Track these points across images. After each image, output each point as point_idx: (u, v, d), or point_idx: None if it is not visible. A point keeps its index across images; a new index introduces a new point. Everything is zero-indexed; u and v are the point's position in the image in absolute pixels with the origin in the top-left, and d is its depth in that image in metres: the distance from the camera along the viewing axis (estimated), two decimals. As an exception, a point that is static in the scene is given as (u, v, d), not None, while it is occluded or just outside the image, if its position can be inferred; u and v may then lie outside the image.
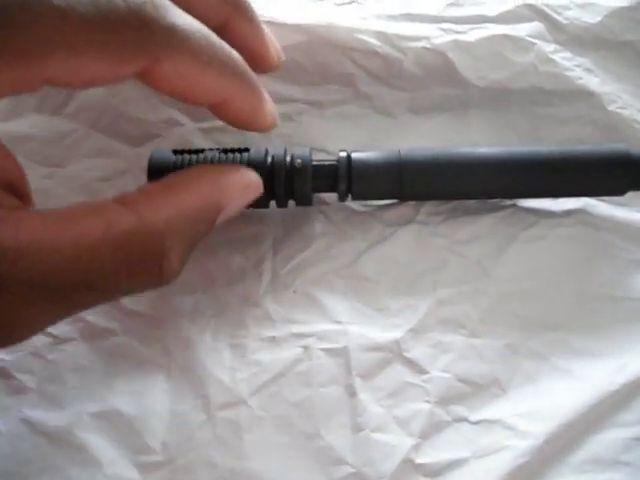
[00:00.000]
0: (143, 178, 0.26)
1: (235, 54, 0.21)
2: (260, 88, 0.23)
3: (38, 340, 0.24)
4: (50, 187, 0.28)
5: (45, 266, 0.17)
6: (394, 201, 0.27)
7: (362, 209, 0.27)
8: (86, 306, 0.19)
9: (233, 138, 0.29)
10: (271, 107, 0.24)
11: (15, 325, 0.18)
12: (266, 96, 0.24)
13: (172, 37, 0.18)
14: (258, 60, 0.24)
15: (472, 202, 0.27)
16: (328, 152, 0.28)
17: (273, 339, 0.23)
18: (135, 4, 0.17)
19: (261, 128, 0.24)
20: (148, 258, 0.18)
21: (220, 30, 0.22)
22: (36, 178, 0.28)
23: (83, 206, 0.18)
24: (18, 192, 0.18)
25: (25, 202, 0.20)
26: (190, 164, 0.25)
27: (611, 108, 0.29)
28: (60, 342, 0.24)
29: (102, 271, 0.18)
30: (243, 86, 0.21)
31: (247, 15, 0.24)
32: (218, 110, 0.22)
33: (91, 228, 0.17)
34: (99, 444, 0.21)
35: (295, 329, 0.23)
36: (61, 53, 0.17)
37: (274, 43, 0.26)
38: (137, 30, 0.17)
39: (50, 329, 0.24)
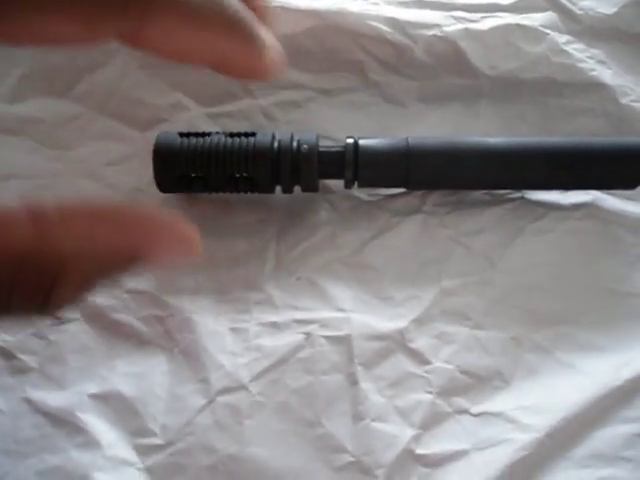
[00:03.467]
0: (149, 162, 0.26)
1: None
2: (260, 35, 0.20)
3: (40, 322, 0.24)
4: (57, 169, 0.28)
5: None
6: (400, 191, 0.27)
7: (368, 198, 0.27)
8: None
9: (240, 123, 0.29)
10: (275, 52, 0.21)
11: None
12: (269, 40, 0.21)
13: None
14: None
15: (479, 193, 0.27)
16: (335, 140, 0.28)
17: (275, 324, 0.23)
18: None
19: (263, 78, 0.22)
20: (37, 282, 0.16)
21: None
22: (43, 160, 0.28)
23: None
24: None
25: None
26: (196, 147, 0.25)
27: (624, 101, 0.29)
28: (62, 322, 0.24)
29: None
30: (242, 40, 0.19)
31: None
32: (217, 68, 0.21)
33: None
34: (99, 425, 0.21)
35: (298, 315, 0.23)
36: (29, 4, 0.13)
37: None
38: None
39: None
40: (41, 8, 0.14)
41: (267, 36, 0.22)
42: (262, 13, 0.23)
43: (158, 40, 0.18)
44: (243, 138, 0.24)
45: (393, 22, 0.29)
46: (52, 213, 0.17)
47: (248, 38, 0.20)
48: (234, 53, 0.20)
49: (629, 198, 0.27)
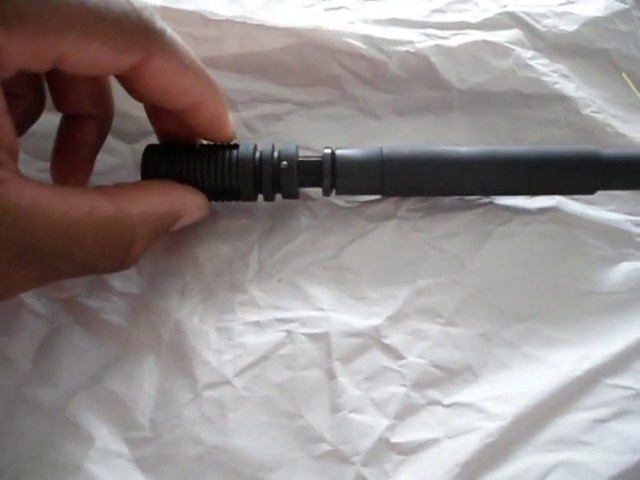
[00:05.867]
0: (137, 173, 0.27)
1: (204, 66, 0.24)
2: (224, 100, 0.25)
3: (34, 322, 0.25)
4: (46, 180, 0.29)
5: (39, 231, 0.19)
6: (376, 197, 0.28)
7: (346, 205, 0.29)
8: (64, 275, 0.22)
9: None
10: (231, 119, 0.26)
11: (1, 283, 0.20)
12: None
13: (163, 37, 0.22)
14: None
15: (451, 199, 0.28)
16: (315, 150, 0.29)
17: (258, 323, 0.24)
18: (138, 5, 0.20)
19: (224, 137, 0.26)
20: (120, 243, 0.21)
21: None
22: (33, 172, 0.29)
23: (71, 188, 0.21)
24: (15, 157, 0.20)
25: None
26: (182, 160, 0.26)
27: (585, 112, 0.31)
28: (55, 323, 0.25)
29: (83, 246, 0.20)
30: (213, 93, 0.25)
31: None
32: (188, 117, 0.25)
33: (78, 207, 0.20)
34: (91, 420, 0.22)
35: (279, 315, 0.25)
36: (74, 33, 0.19)
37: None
38: (137, 26, 0.20)
39: (44, 310, 0.25)
40: (87, 34, 0.19)
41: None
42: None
43: (158, 76, 0.22)
44: (227, 150, 0.26)
45: (368, 39, 0.30)
46: (116, 191, 0.22)
47: (219, 95, 0.25)
48: (209, 102, 0.24)
49: (591, 203, 0.29)
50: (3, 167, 0.19)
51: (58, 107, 0.26)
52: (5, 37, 0.18)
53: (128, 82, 0.23)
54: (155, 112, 0.26)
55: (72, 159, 0.26)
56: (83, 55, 0.20)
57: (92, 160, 0.26)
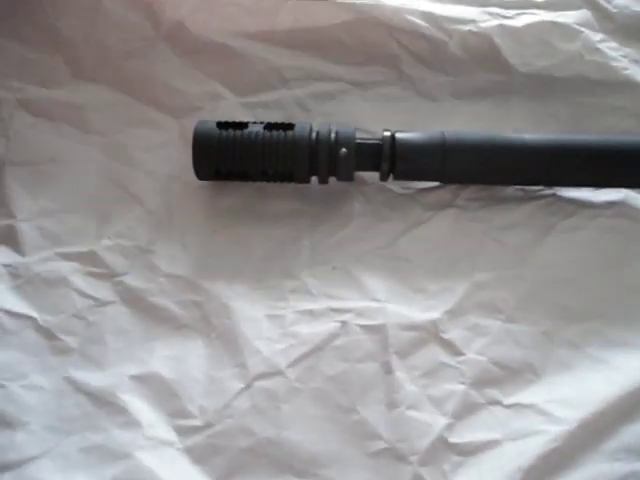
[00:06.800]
0: (185, 150, 0.26)
1: None
2: None
3: (80, 302, 0.24)
4: (91, 155, 0.28)
5: None
6: (433, 185, 0.27)
7: (401, 191, 0.27)
8: None
9: (275, 114, 0.29)
10: None
11: None
12: None
13: None
14: None
15: (511, 190, 0.27)
16: (368, 132, 0.28)
17: (311, 312, 0.24)
18: None
19: None
20: None
21: None
22: (77, 145, 0.28)
23: None
24: None
25: None
26: (235, 140, 0.25)
27: (656, 101, 0.29)
28: (101, 304, 0.24)
29: None
30: None
31: None
32: None
33: None
34: (139, 406, 0.22)
35: (333, 304, 0.24)
36: None
37: None
38: None
39: (90, 291, 0.25)
40: None
41: None
42: None
43: None
44: (281, 132, 0.25)
45: (429, 16, 0.29)
46: None
47: None
48: None
49: (660, 197, 0.27)
50: None
51: None
52: None
53: None
54: None
55: None
56: None
57: None
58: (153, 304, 0.24)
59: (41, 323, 0.24)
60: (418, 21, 0.29)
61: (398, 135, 0.25)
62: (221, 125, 0.26)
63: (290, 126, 0.25)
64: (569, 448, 0.21)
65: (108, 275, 0.25)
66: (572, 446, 0.21)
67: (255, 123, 0.26)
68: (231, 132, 0.25)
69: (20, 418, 0.21)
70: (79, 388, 0.22)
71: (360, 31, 0.29)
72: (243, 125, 0.26)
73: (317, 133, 0.25)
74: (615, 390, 0.22)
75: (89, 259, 0.25)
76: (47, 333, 0.23)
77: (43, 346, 0.23)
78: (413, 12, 0.29)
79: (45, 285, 0.25)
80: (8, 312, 0.24)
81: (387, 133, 0.25)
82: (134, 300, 0.24)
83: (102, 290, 0.25)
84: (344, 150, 0.24)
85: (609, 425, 0.21)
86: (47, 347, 0.23)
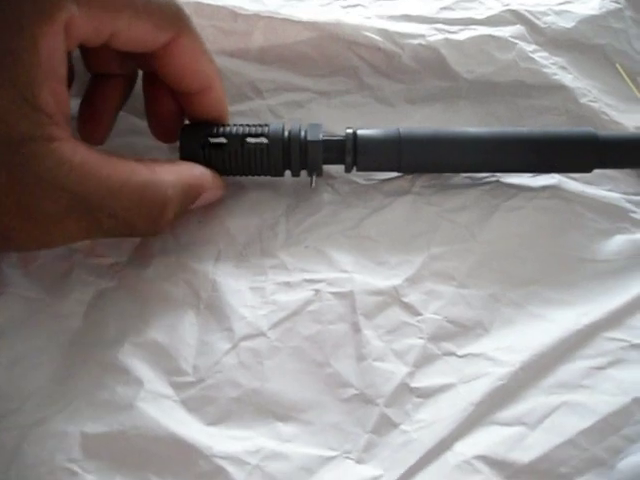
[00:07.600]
0: (171, 154, 0.30)
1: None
2: None
3: (82, 287, 0.27)
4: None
5: (88, 186, 0.22)
6: (393, 175, 0.31)
7: (365, 182, 0.31)
8: (107, 232, 0.24)
9: (250, 120, 0.33)
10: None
11: (51, 230, 0.23)
12: None
13: (190, 21, 0.25)
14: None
15: (461, 177, 0.31)
16: (334, 135, 0.32)
17: (288, 284, 0.27)
18: None
19: (223, 119, 0.29)
20: (154, 204, 0.25)
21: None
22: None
23: (115, 155, 0.24)
24: (69, 122, 0.23)
25: None
26: (218, 136, 0.28)
27: (583, 101, 0.33)
28: (100, 287, 0.27)
29: (124, 205, 0.23)
30: (220, 80, 0.28)
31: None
32: (198, 99, 0.28)
33: (122, 170, 0.23)
34: (139, 367, 0.25)
35: (307, 276, 0.27)
36: (128, 13, 0.23)
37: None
38: (172, 9, 0.25)
39: (91, 275, 0.28)
40: (137, 13, 0.22)
41: None
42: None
43: (183, 56, 0.25)
44: (259, 127, 0.28)
45: (384, 32, 0.33)
46: (151, 161, 0.25)
47: (222, 82, 0.27)
48: (217, 87, 0.28)
49: (589, 182, 0.31)
50: (60, 128, 0.21)
51: (89, 68, 0.28)
52: (75, 11, 0.21)
53: (156, 59, 0.26)
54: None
55: (97, 113, 0.29)
56: (133, 32, 0.24)
57: (114, 116, 0.29)
58: (148, 284, 0.27)
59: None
60: (374, 36, 0.33)
61: (359, 132, 0.29)
62: (204, 126, 0.29)
63: (265, 125, 0.29)
64: (513, 385, 0.24)
65: (108, 261, 0.28)
66: (515, 384, 0.24)
67: (235, 125, 0.29)
68: (214, 131, 0.28)
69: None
70: (84, 354, 0.25)
71: (324, 46, 0.33)
72: (225, 126, 0.29)
73: (289, 131, 0.29)
74: (552, 337, 0.25)
75: (90, 249, 0.28)
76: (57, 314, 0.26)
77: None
78: (370, 29, 0.33)
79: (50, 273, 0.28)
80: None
81: (349, 130, 0.29)
82: (131, 282, 0.27)
83: (102, 274, 0.28)
84: (312, 140, 0.28)
85: (546, 365, 0.25)
86: (55, 324, 0.26)
